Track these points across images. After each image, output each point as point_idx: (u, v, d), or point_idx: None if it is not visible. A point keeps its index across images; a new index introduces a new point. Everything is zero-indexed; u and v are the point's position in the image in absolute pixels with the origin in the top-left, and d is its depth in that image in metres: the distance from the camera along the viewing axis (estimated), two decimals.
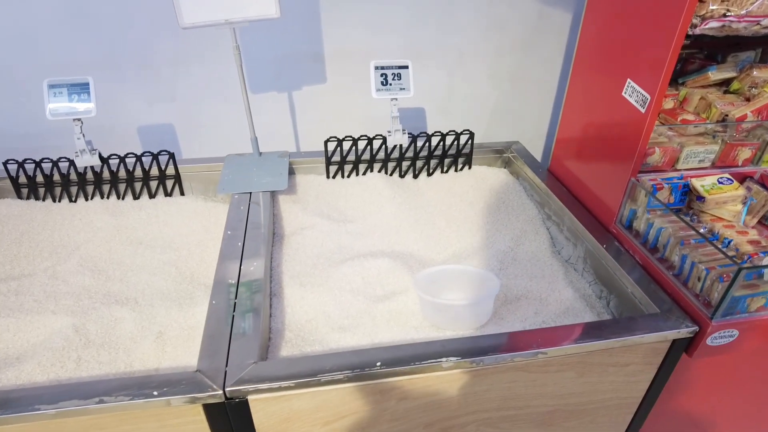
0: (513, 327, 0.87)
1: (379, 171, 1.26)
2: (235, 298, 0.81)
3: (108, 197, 1.20)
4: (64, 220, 1.16)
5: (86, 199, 1.19)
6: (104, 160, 1.13)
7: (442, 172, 1.29)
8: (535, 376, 0.78)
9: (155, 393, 0.66)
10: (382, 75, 1.17)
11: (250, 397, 0.68)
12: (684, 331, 0.77)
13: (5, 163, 1.12)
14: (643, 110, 0.87)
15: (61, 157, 1.13)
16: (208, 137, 1.47)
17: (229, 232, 0.96)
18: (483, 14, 1.41)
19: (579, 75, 1.07)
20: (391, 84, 1.17)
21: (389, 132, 1.21)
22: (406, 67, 1.17)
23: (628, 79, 0.90)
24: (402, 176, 1.27)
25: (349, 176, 1.25)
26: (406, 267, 1.04)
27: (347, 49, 1.38)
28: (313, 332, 0.88)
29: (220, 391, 0.66)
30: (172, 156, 1.15)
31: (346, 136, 1.21)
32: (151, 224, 1.17)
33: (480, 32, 1.43)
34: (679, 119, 0.98)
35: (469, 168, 1.29)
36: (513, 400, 0.80)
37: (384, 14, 1.34)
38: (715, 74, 0.97)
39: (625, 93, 0.91)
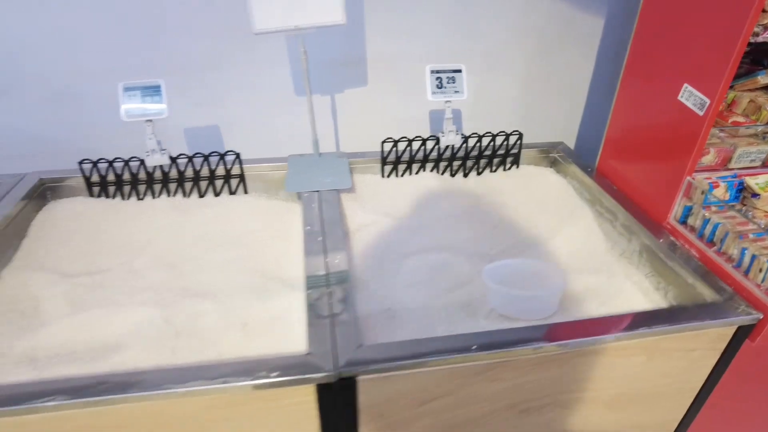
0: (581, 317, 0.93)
1: (431, 170, 1.31)
2: (328, 288, 0.86)
3: (174, 195, 1.25)
4: (134, 218, 1.21)
5: (153, 197, 1.24)
6: (173, 160, 1.18)
7: (491, 171, 1.34)
8: (609, 360, 0.84)
9: (274, 374, 0.71)
10: (437, 78, 1.22)
11: (359, 378, 0.73)
12: (749, 318, 0.83)
13: (80, 163, 1.16)
14: (701, 113, 0.93)
15: (132, 157, 1.17)
16: (251, 139, 1.51)
17: (308, 228, 1.01)
18: (512, 20, 1.47)
19: (630, 80, 1.13)
20: (445, 87, 1.23)
21: (442, 133, 1.27)
22: (460, 71, 1.23)
23: (685, 84, 0.97)
24: (453, 175, 1.33)
25: (402, 175, 1.30)
26: (467, 260, 1.10)
27: (384, 54, 1.43)
28: (396, 320, 0.93)
29: (333, 372, 0.71)
30: (238, 156, 1.21)
31: (401, 137, 1.26)
32: (217, 222, 1.22)
33: (509, 37, 1.49)
34: (729, 121, 1.04)
35: (517, 167, 1.35)
36: (586, 382, 0.86)
37: (417, 20, 1.39)
38: (764, 78, 1.03)
39: (681, 97, 0.98)
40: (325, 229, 1.01)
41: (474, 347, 0.76)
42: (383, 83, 1.48)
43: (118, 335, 0.93)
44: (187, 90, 1.36)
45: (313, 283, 0.87)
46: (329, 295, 0.84)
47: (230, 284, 1.06)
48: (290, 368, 0.72)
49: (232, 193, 1.26)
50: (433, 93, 1.22)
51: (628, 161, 1.16)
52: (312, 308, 0.81)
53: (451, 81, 1.22)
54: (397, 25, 1.39)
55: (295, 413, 0.76)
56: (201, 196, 1.25)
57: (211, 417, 0.73)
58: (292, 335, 0.92)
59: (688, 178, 0.98)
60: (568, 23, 1.48)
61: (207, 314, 0.98)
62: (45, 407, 0.67)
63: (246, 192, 1.26)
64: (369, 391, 0.75)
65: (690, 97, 0.95)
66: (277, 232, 1.20)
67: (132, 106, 1.12)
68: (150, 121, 1.14)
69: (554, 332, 0.79)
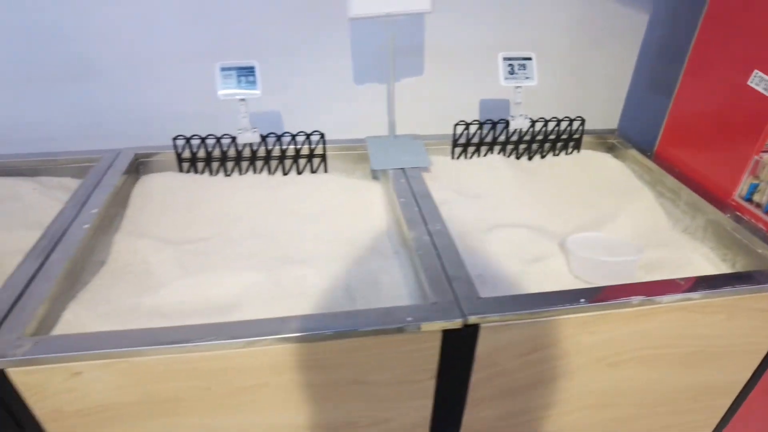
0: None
1: (498, 153, 1.40)
2: (436, 250, 0.94)
3: (260, 172, 1.32)
4: (223, 192, 1.28)
5: (240, 174, 1.31)
6: (262, 138, 1.26)
7: (553, 155, 1.42)
8: (694, 317, 0.92)
9: (409, 319, 0.79)
10: (509, 65, 1.31)
11: (483, 325, 0.81)
12: None
13: (174, 139, 1.24)
14: None
15: (224, 134, 1.25)
16: (311, 124, 1.58)
17: (402, 200, 1.09)
18: (561, 11, 1.55)
19: (695, 68, 1.21)
20: (517, 73, 1.31)
21: (512, 117, 1.35)
22: (530, 58, 1.32)
23: (756, 70, 1.05)
24: (518, 158, 1.41)
25: (471, 157, 1.38)
26: (543, 236, 1.18)
27: (437, 44, 1.51)
28: (488, 285, 1.01)
29: (461, 319, 0.79)
30: (322, 136, 1.28)
31: (473, 120, 1.34)
32: (301, 197, 1.29)
33: (556, 29, 1.57)
34: None
35: (578, 152, 1.43)
36: (670, 339, 0.94)
37: (467, 10, 1.47)
38: None
39: (752, 82, 1.06)
40: (418, 201, 1.08)
41: (582, 300, 0.83)
42: (436, 72, 1.56)
43: (232, 295, 1.00)
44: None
45: (420, 245, 0.94)
46: (439, 257, 0.92)
47: (324, 253, 1.13)
48: (422, 314, 0.80)
49: (313, 171, 1.33)
50: (505, 78, 1.30)
51: (690, 144, 1.24)
52: (426, 267, 0.88)
53: (522, 68, 1.31)
54: (449, 15, 1.47)
55: (417, 358, 0.84)
56: (285, 173, 1.32)
57: (344, 360, 0.81)
58: (393, 295, 1.00)
59: (756, 156, 1.07)
60: (612, 16, 1.57)
61: (309, 278, 1.05)
62: (207, 345, 0.74)
63: (326, 171, 1.33)
64: (487, 338, 0.83)
65: (761, 82, 1.04)
66: (358, 207, 1.28)
67: (228, 87, 1.20)
68: (243, 100, 1.22)
69: (648, 288, 0.87)
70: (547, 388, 0.94)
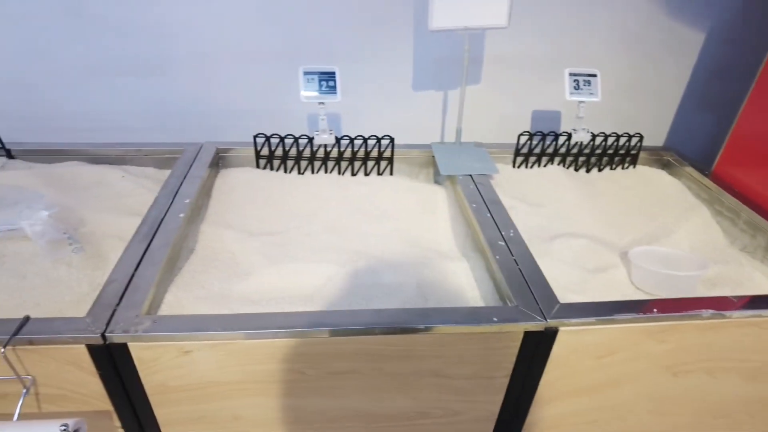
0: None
1: (558, 164, 1.44)
2: (512, 255, 0.99)
3: (330, 172, 1.39)
4: (297, 189, 1.35)
5: (312, 173, 1.38)
6: (337, 140, 1.32)
7: (610, 169, 1.47)
8: (763, 333, 0.95)
9: (495, 319, 0.84)
10: (575, 80, 1.35)
11: (561, 328, 0.86)
12: None
13: (255, 137, 1.31)
14: None
15: (302, 135, 1.32)
16: (368, 128, 1.65)
17: (474, 205, 1.14)
18: (612, 26, 1.59)
19: (764, 90, 1.24)
20: (581, 89, 1.36)
21: (574, 130, 1.39)
22: (595, 75, 1.36)
23: None
24: (577, 170, 1.45)
25: (531, 167, 1.43)
26: (603, 246, 1.22)
27: (493, 55, 1.56)
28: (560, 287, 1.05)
29: (543, 322, 0.84)
30: (392, 140, 1.34)
31: (536, 131, 1.39)
32: (370, 198, 1.35)
33: (612, 45, 1.61)
34: None
35: (634, 167, 1.47)
36: (736, 353, 0.98)
37: (522, 24, 1.52)
38: None
39: None
40: (489, 207, 1.14)
41: (655, 310, 0.88)
42: (492, 82, 1.62)
43: (315, 286, 1.06)
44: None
45: (496, 250, 1.00)
46: (516, 261, 0.97)
47: (394, 250, 1.19)
48: (506, 315, 0.85)
49: (380, 173, 1.39)
50: (570, 93, 1.35)
51: (754, 165, 1.28)
52: (504, 271, 0.94)
53: (586, 84, 1.35)
54: (510, 28, 1.52)
55: (496, 356, 0.89)
56: (353, 174, 1.38)
57: (430, 353, 0.86)
58: (463, 296, 1.06)
59: None
60: (667, 34, 1.60)
61: (383, 273, 1.11)
62: (311, 332, 0.81)
63: (391, 173, 1.39)
64: (565, 341, 0.87)
65: None
66: (423, 209, 1.33)
67: (309, 90, 1.26)
68: (322, 103, 1.28)
69: (718, 303, 0.91)
70: (611, 391, 0.99)
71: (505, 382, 0.94)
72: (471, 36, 1.52)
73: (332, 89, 1.26)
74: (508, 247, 1.01)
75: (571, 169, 1.45)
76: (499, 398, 0.96)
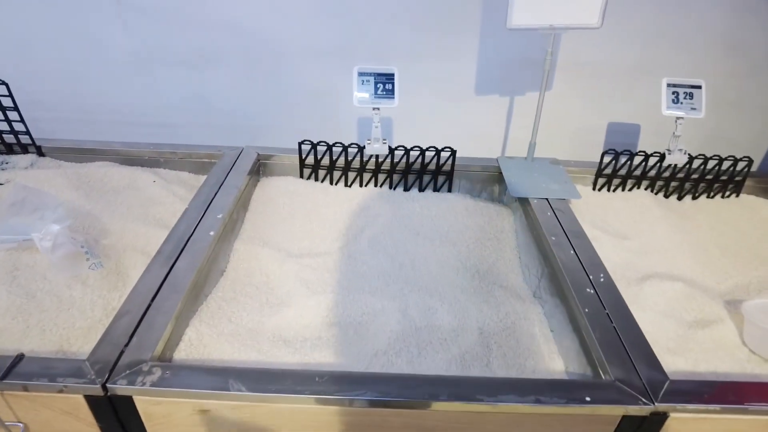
0: None
1: (645, 188, 1.23)
2: (605, 309, 0.80)
3: (381, 186, 1.22)
4: (343, 204, 1.20)
5: (360, 185, 1.22)
6: (391, 150, 1.16)
7: (707, 197, 1.25)
8: None
9: (587, 399, 0.66)
10: (674, 93, 1.14)
11: (672, 414, 0.66)
12: None
13: (301, 143, 1.15)
14: None
15: (351, 143, 1.16)
16: (421, 134, 1.48)
17: (553, 238, 0.95)
18: (719, 36, 1.36)
19: None
20: (681, 102, 1.14)
21: (668, 150, 1.18)
22: (699, 87, 1.14)
23: None
24: (667, 196, 1.24)
25: (614, 190, 1.23)
26: (703, 292, 1.01)
27: (572, 60, 1.36)
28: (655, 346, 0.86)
29: (650, 406, 0.66)
30: (453, 153, 1.17)
31: (624, 150, 1.19)
32: (424, 216, 1.19)
33: (713, 54, 1.38)
34: None
35: (737, 196, 1.25)
36: None
37: (615, 23, 1.31)
38: None
39: None
40: (571, 241, 0.95)
41: None
42: (566, 89, 1.42)
43: (358, 323, 0.91)
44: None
45: (585, 301, 0.81)
46: (609, 318, 0.78)
47: (451, 282, 1.02)
48: (600, 393, 0.66)
49: (436, 189, 1.22)
50: (668, 107, 1.14)
51: None
52: (593, 324, 0.75)
53: (687, 96, 1.14)
54: (592, 31, 1.33)
55: None
56: (406, 189, 1.22)
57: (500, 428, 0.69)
58: (539, 352, 0.87)
59: None
60: None
61: (438, 312, 0.94)
62: (353, 400, 0.64)
63: (449, 190, 1.22)
64: (673, 429, 0.68)
65: None
66: (486, 234, 1.16)
67: (364, 94, 1.10)
68: (377, 109, 1.12)
69: None
70: None
71: None
72: (547, 37, 1.34)
73: (389, 93, 1.10)
74: (598, 296, 0.82)
75: (660, 194, 1.23)
76: None
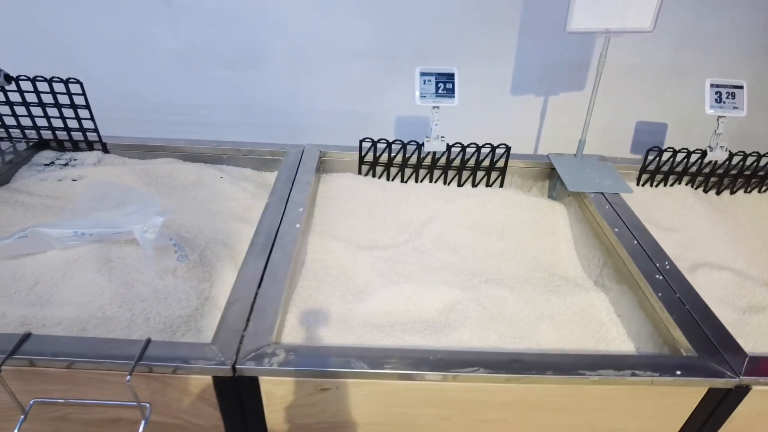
0: None
1: (686, 184, 1.30)
2: (676, 293, 0.86)
3: (435, 182, 1.27)
4: (402, 199, 1.24)
5: (416, 181, 1.27)
6: (448, 147, 1.21)
7: (744, 192, 1.31)
8: None
9: (678, 372, 0.71)
10: (716, 92, 1.21)
11: (755, 387, 0.73)
12: None
13: (362, 141, 1.20)
14: None
15: (411, 140, 1.21)
16: (457, 134, 1.53)
17: (616, 229, 1.01)
18: (747, 38, 1.43)
19: None
20: (724, 102, 1.21)
21: (710, 147, 1.25)
22: (741, 87, 1.21)
23: None
24: (706, 191, 1.31)
25: (657, 186, 1.29)
26: (751, 281, 1.08)
27: (609, 62, 1.41)
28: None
29: (736, 379, 0.71)
30: (508, 149, 1.22)
31: (668, 147, 1.25)
32: (479, 212, 1.24)
33: (741, 55, 1.44)
34: None
35: None
36: None
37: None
38: None
39: None
40: (632, 232, 1.01)
41: None
42: (602, 89, 1.48)
43: (438, 311, 0.96)
44: (404, 79, 1.40)
45: (657, 286, 0.87)
46: (682, 301, 0.84)
47: (514, 275, 1.08)
48: (687, 368, 0.72)
49: (488, 185, 1.27)
50: (712, 107, 1.20)
51: None
52: (674, 313, 0.81)
53: (730, 96, 1.20)
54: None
55: (667, 414, 0.77)
56: (460, 185, 1.27)
57: (593, 406, 0.75)
58: (609, 336, 0.93)
59: None
60: None
61: (510, 302, 0.99)
62: (468, 376, 0.70)
63: (501, 185, 1.27)
64: (754, 402, 0.75)
65: None
66: (542, 227, 1.21)
67: (426, 92, 1.15)
68: (437, 107, 1.17)
69: None
70: None
71: None
72: (580, 38, 1.40)
73: (450, 92, 1.15)
74: (667, 282, 0.88)
75: (700, 190, 1.30)
76: None
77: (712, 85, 1.21)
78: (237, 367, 0.69)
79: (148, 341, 0.71)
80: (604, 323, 0.96)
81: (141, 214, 0.90)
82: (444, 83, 1.16)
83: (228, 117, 1.49)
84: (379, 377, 0.69)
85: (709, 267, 1.10)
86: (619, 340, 0.92)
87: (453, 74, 1.15)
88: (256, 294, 0.80)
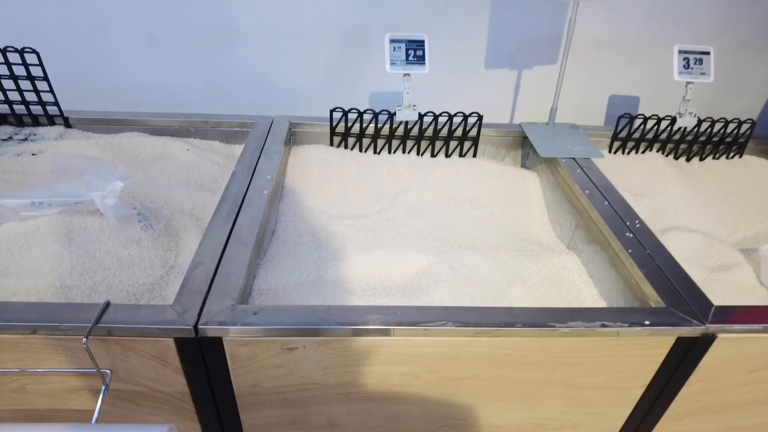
0: None
1: (657, 151, 1.31)
2: (645, 249, 0.86)
3: (409, 152, 1.26)
4: (374, 170, 1.23)
5: (389, 152, 1.26)
6: (420, 117, 1.20)
7: (713, 158, 1.33)
8: None
9: (646, 322, 0.72)
10: (684, 59, 1.22)
11: (720, 335, 0.73)
12: None
13: (332, 111, 1.18)
14: None
15: (382, 110, 1.19)
16: (430, 107, 1.53)
17: (587, 191, 1.01)
18: (714, 14, 1.44)
19: None
20: (692, 68, 1.22)
21: (679, 114, 1.26)
22: (708, 53, 1.22)
23: None
24: (676, 158, 1.32)
25: (629, 153, 1.30)
26: (719, 242, 1.09)
27: (580, 35, 1.41)
28: None
29: (702, 327, 0.72)
30: (480, 118, 1.21)
31: (638, 114, 1.26)
32: (452, 181, 1.23)
33: (708, 30, 1.46)
34: None
35: (740, 157, 1.33)
36: None
37: (620, 4, 1.40)
38: None
39: None
40: (603, 194, 1.01)
41: None
42: (571, 63, 1.47)
43: (411, 276, 0.95)
44: (377, 55, 1.38)
45: (627, 243, 0.87)
46: (651, 257, 0.84)
47: (488, 241, 1.07)
48: (655, 318, 0.72)
49: (462, 155, 1.27)
50: (680, 73, 1.21)
51: None
52: (644, 268, 0.81)
53: (698, 62, 1.21)
54: (596, 7, 1.39)
55: (637, 364, 0.77)
56: (433, 155, 1.26)
57: (564, 360, 0.75)
58: (579, 295, 0.93)
59: None
60: (761, 20, 1.45)
61: (481, 267, 0.99)
62: (437, 330, 0.69)
63: (474, 155, 1.27)
64: (719, 350, 0.75)
65: None
66: (515, 195, 1.21)
67: (396, 59, 1.13)
68: (408, 75, 1.15)
69: None
70: (754, 410, 0.86)
71: (639, 393, 0.82)
72: (554, 13, 1.40)
73: (420, 60, 1.14)
74: (637, 239, 0.88)
75: (671, 157, 1.31)
76: (627, 411, 0.84)
77: (680, 52, 1.21)
78: (199, 327, 0.67)
79: (107, 304, 0.69)
80: (575, 284, 0.96)
81: (101, 180, 0.87)
82: (414, 50, 1.14)
83: (199, 96, 1.46)
84: (347, 334, 0.68)
85: (679, 230, 1.11)
86: (591, 300, 0.92)
87: (423, 41, 1.14)
88: (221, 257, 0.78)
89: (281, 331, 0.68)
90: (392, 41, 1.14)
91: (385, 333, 0.68)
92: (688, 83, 1.23)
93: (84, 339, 0.65)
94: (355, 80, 1.47)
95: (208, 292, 0.73)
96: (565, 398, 0.81)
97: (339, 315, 0.69)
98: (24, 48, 1.10)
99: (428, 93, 1.46)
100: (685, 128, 1.27)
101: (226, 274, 0.76)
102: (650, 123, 1.25)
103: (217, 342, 0.69)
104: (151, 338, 0.68)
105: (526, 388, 0.78)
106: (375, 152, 1.25)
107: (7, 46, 1.09)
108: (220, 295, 0.72)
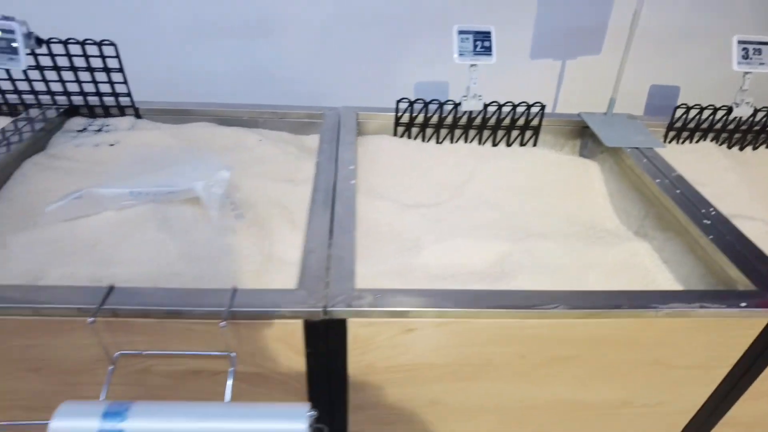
0: None
1: (711, 141, 1.34)
2: (726, 235, 0.90)
3: (470, 142, 1.29)
4: (439, 160, 1.26)
5: (451, 142, 1.29)
6: (485, 107, 1.23)
7: (766, 147, 1.36)
8: None
9: (743, 304, 0.75)
10: (743, 49, 1.25)
11: None
12: None
13: (398, 102, 1.21)
14: None
15: (447, 100, 1.22)
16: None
17: (657, 180, 1.05)
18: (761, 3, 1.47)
19: None
20: (751, 58, 1.25)
21: (736, 103, 1.29)
22: (767, 43, 1.25)
23: None
24: (730, 147, 1.35)
25: (683, 143, 1.33)
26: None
27: (623, 26, 1.44)
28: None
29: None
30: (543, 108, 1.24)
31: (695, 104, 1.29)
32: (515, 170, 1.26)
33: (754, 20, 1.49)
34: None
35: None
36: None
37: None
38: None
39: None
40: (674, 182, 1.04)
41: None
42: (612, 54, 1.51)
43: (490, 263, 0.98)
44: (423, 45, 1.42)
45: (704, 229, 0.91)
46: (731, 242, 0.88)
47: (556, 229, 1.11)
48: (751, 300, 0.76)
49: (522, 144, 1.30)
50: (739, 63, 1.24)
51: None
52: (727, 253, 0.85)
53: (757, 53, 1.24)
54: None
55: (728, 344, 0.81)
56: (494, 144, 1.29)
57: (661, 340, 0.79)
58: (656, 279, 0.97)
59: None
60: None
61: (556, 252, 1.02)
62: (551, 313, 0.73)
63: (535, 145, 1.30)
64: None
65: None
66: (577, 184, 1.24)
67: (465, 54, 1.16)
68: (474, 65, 1.18)
69: None
70: None
71: (723, 373, 0.86)
72: (598, 3, 1.43)
73: (487, 50, 1.17)
74: (716, 225, 0.92)
75: (724, 146, 1.35)
76: (709, 390, 0.89)
77: (739, 42, 1.24)
78: (328, 309, 0.70)
79: (235, 289, 0.72)
80: (649, 270, 1.00)
81: (202, 170, 0.90)
82: (482, 41, 1.17)
83: (235, 87, 1.48)
84: (467, 316, 0.72)
85: (742, 218, 1.14)
86: (668, 285, 0.96)
87: (490, 32, 1.16)
88: (329, 244, 0.81)
89: (403, 312, 0.72)
90: (460, 32, 1.16)
91: (502, 316, 0.72)
92: (746, 73, 1.26)
93: (222, 322, 0.68)
94: (401, 69, 1.49)
95: (327, 276, 0.76)
96: (654, 376, 0.85)
97: (458, 298, 0.72)
98: (102, 41, 1.12)
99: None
100: (740, 118, 1.30)
101: (340, 260, 0.79)
102: (705, 113, 1.28)
103: (342, 324, 0.73)
104: (281, 320, 0.71)
105: (619, 367, 0.82)
106: (437, 142, 1.28)
107: (86, 39, 1.11)
108: (340, 280, 0.75)
